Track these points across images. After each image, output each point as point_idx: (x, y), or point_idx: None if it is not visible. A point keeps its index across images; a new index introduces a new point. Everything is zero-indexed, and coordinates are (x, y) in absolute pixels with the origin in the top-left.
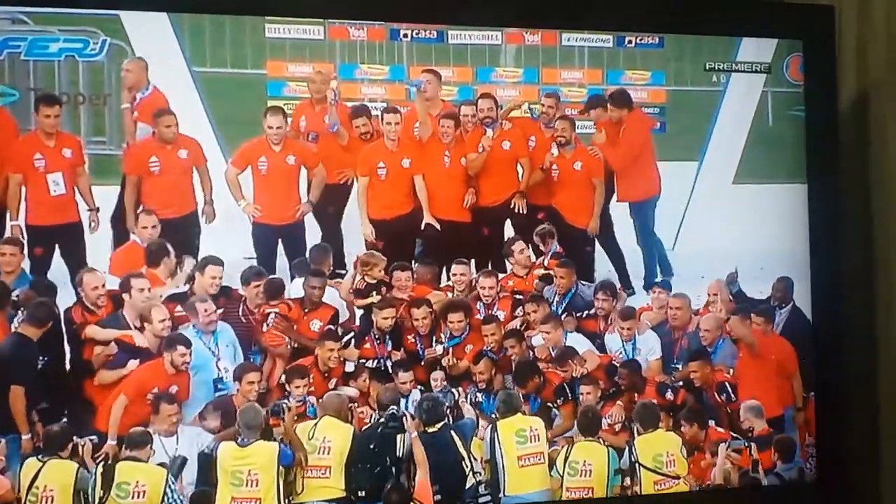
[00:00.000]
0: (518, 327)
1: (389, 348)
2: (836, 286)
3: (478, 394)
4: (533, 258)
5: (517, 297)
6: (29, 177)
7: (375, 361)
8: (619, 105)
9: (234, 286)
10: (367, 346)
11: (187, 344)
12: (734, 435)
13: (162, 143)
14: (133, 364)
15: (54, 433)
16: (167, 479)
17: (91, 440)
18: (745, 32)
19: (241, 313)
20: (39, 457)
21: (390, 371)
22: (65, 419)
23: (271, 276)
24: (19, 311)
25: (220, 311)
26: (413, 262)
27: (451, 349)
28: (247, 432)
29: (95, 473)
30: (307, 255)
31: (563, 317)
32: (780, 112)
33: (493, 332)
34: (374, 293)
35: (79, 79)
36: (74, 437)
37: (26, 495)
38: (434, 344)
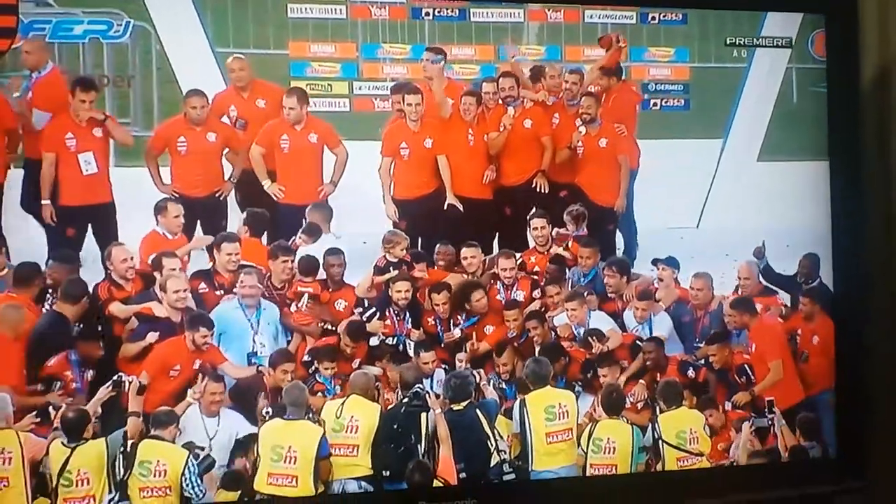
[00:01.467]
0: (538, 308)
1: (409, 326)
2: (858, 264)
3: (502, 384)
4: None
5: (534, 277)
6: (61, 157)
7: (395, 339)
8: (608, 74)
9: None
10: (388, 321)
11: (209, 325)
12: (755, 413)
13: (191, 125)
14: (153, 336)
15: (72, 419)
16: (188, 461)
17: (140, 381)
18: (768, 6)
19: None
20: (64, 443)
21: (410, 350)
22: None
23: (305, 255)
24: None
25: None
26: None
27: (469, 329)
28: (292, 410)
29: (117, 453)
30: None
31: (585, 295)
32: (804, 88)
33: (515, 318)
34: (392, 269)
35: (103, 61)
36: (121, 375)
37: (58, 479)
38: (452, 328)
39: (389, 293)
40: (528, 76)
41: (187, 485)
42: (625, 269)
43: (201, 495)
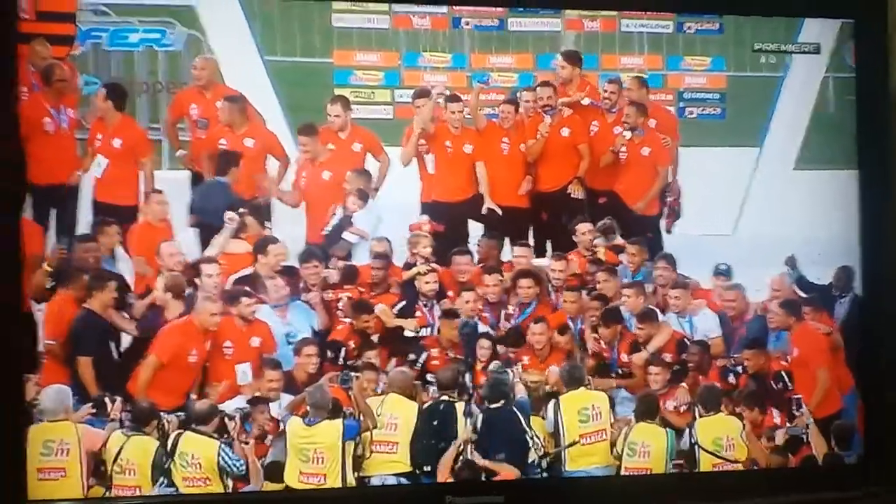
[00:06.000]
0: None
1: (438, 314)
2: (886, 273)
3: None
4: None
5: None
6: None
7: (428, 330)
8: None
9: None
10: (418, 314)
11: (249, 294)
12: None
13: (229, 128)
14: None
15: (142, 409)
16: (219, 449)
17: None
18: (797, 13)
19: (301, 289)
20: (124, 431)
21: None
22: None
23: (348, 263)
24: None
25: (288, 288)
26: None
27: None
28: (314, 412)
29: (165, 442)
30: None
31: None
32: (841, 97)
33: (573, 300)
34: (419, 263)
35: (157, 67)
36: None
37: (112, 466)
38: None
39: (417, 285)
40: None
41: (224, 464)
42: (674, 263)
43: (242, 466)
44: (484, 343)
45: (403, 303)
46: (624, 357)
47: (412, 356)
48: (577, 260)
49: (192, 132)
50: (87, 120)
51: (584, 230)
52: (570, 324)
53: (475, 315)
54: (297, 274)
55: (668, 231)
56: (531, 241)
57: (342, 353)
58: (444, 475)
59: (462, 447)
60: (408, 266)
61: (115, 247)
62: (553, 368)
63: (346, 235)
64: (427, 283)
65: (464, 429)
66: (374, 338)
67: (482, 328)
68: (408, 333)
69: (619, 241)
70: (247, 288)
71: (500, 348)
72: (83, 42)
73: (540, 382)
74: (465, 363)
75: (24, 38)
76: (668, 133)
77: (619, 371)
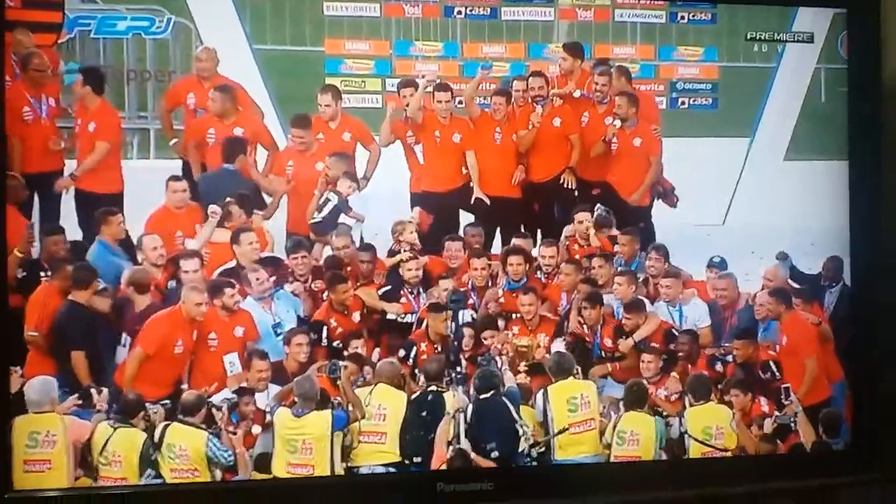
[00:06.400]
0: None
1: (423, 302)
2: (876, 263)
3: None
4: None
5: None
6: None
7: (413, 316)
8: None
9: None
10: (403, 300)
11: (232, 285)
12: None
13: (219, 118)
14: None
15: (128, 401)
16: (208, 440)
17: (164, 405)
18: (788, 2)
19: (289, 281)
20: (110, 423)
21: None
22: None
23: (331, 254)
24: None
25: (272, 279)
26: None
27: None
28: (302, 403)
29: (152, 434)
30: None
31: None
32: (833, 89)
33: (570, 273)
34: (403, 251)
35: (145, 56)
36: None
37: (98, 457)
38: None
39: (401, 272)
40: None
41: (213, 455)
42: (667, 254)
43: (230, 457)
44: (468, 331)
45: (388, 288)
46: (607, 342)
47: (402, 352)
48: (573, 248)
49: (187, 121)
50: (73, 108)
51: (581, 219)
52: (564, 297)
53: (463, 289)
54: (281, 264)
55: (674, 206)
56: (522, 231)
57: (324, 333)
58: (440, 447)
59: (454, 416)
60: (392, 253)
61: (119, 237)
62: (542, 336)
63: (344, 219)
64: (410, 269)
65: (452, 400)
66: (356, 316)
67: (467, 317)
68: (390, 316)
69: (613, 231)
70: (231, 280)
71: (486, 338)
72: (70, 30)
73: (530, 347)
74: (451, 345)
75: (10, 25)
76: (651, 120)
77: (602, 355)
